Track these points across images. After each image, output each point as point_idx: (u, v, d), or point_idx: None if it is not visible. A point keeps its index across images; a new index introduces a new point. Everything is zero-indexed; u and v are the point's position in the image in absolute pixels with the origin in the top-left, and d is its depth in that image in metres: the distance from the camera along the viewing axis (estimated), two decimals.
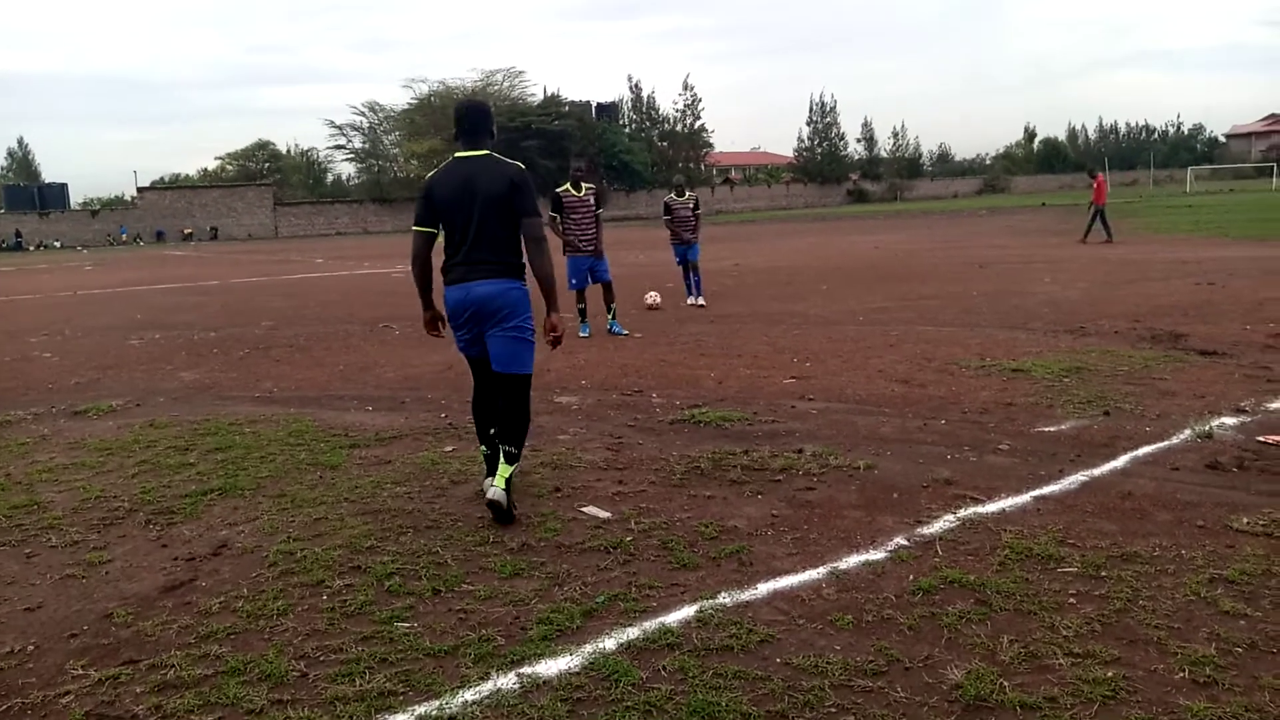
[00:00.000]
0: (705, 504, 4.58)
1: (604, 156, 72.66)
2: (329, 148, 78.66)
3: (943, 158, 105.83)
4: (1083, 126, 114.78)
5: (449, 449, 5.77)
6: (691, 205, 13.21)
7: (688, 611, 3.36)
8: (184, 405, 7.53)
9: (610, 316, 10.75)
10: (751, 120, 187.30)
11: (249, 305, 16.19)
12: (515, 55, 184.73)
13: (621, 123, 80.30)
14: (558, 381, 7.74)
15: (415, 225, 4.61)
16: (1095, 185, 22.55)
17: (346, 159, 75.97)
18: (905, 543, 3.99)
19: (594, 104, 78.95)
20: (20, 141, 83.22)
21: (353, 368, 9.13)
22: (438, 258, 4.60)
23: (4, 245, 58.88)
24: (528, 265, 4.58)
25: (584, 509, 4.56)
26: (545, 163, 61.44)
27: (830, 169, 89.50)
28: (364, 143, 73.58)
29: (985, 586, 3.48)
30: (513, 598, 3.55)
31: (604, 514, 4.47)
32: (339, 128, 72.44)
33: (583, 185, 10.67)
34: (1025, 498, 4.50)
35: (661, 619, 3.31)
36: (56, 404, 7.77)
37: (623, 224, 55.03)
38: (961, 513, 4.31)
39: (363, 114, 72.45)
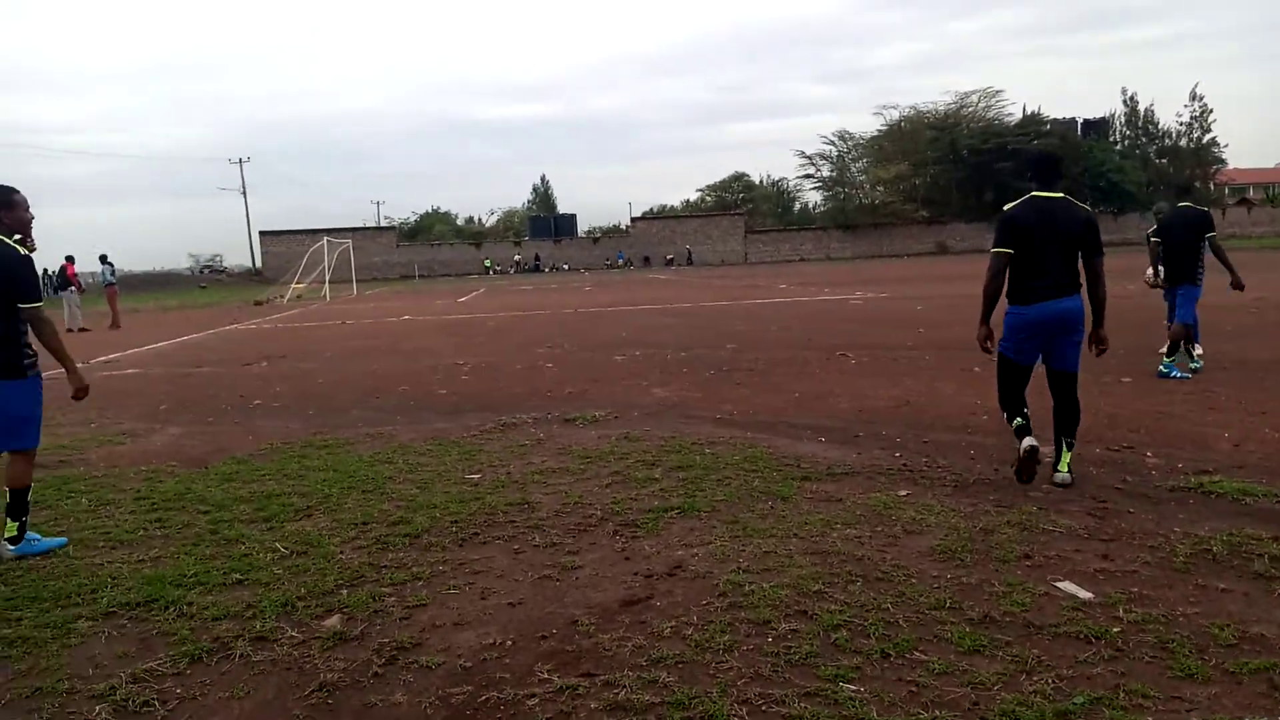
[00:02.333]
0: (1219, 599, 3.75)
1: (1088, 177, 66.46)
2: (798, 177, 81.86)
3: None
4: None
5: (903, 493, 5.44)
6: None
7: None
8: (654, 421, 8.06)
9: (1170, 356, 9.53)
10: (1278, 132, 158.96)
11: (716, 328, 17.14)
12: (991, 75, 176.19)
13: (1111, 140, 72.97)
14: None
15: (997, 248, 5.54)
16: None
17: (814, 187, 78.38)
18: None
19: (1079, 121, 72.71)
20: (543, 179, 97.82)
21: (808, 395, 9.14)
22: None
23: (526, 267, 69.57)
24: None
25: (1059, 584, 3.97)
26: (1020, 184, 57.78)
27: None
28: (831, 171, 75.24)
29: None
30: (972, 678, 3.15)
31: (1084, 594, 3.85)
32: (808, 158, 74.97)
33: None
34: None
35: None
36: (552, 411, 8.76)
37: (1109, 249, 49.60)
38: None
39: (832, 143, 74.25)
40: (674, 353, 13.15)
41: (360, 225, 72.41)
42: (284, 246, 64.56)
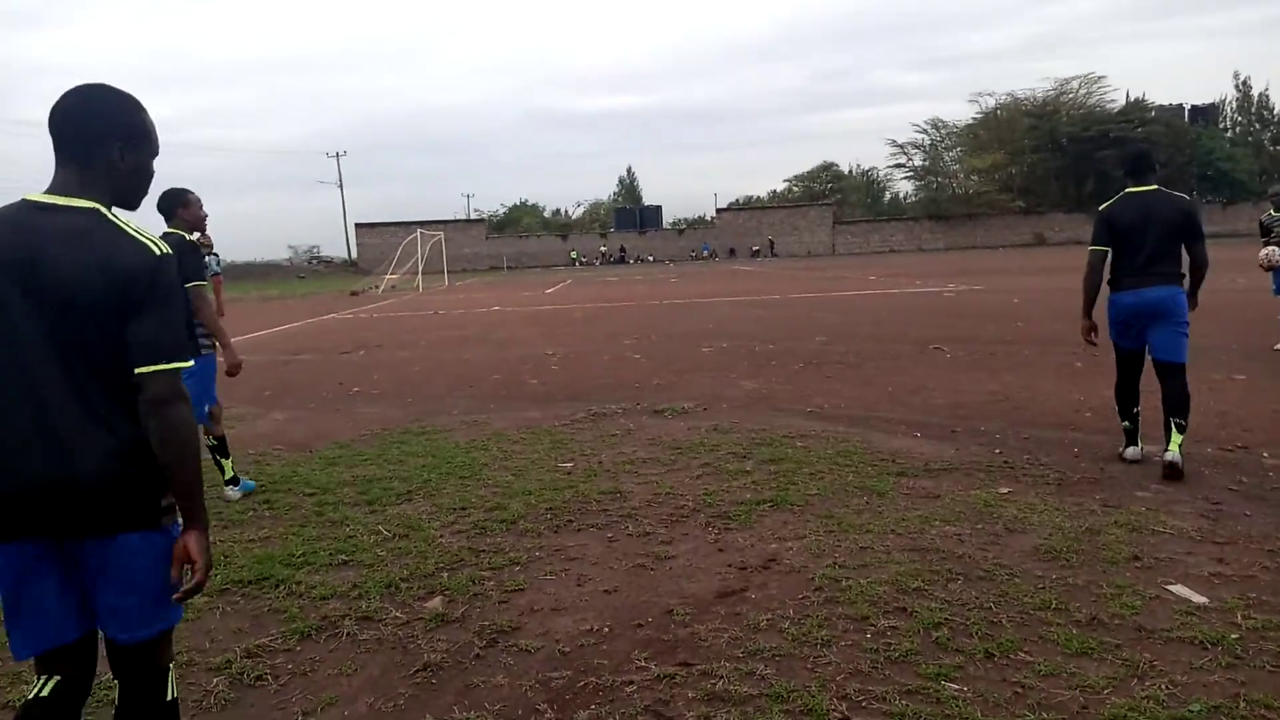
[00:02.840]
0: None
1: (1196, 165, 63.71)
2: (889, 166, 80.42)
3: None
4: None
5: (1004, 491, 5.31)
6: None
7: None
8: (744, 413, 8.03)
9: None
10: None
11: (805, 320, 16.96)
12: (1094, 61, 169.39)
13: (1222, 126, 69.78)
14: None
15: (1095, 245, 5.80)
16: None
17: (905, 177, 76.96)
18: None
19: (1187, 107, 69.71)
20: (629, 170, 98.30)
21: (901, 389, 8.99)
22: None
23: (612, 259, 69.92)
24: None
25: (1170, 587, 3.83)
26: (1120, 174, 55.74)
27: None
28: (924, 160, 73.72)
29: None
30: (1080, 681, 3.07)
31: (1198, 598, 3.71)
32: (900, 146, 73.75)
33: None
34: None
35: None
36: (641, 401, 8.80)
37: (1218, 240, 47.49)
38: None
39: (925, 131, 72.77)
40: (762, 345, 13.07)
41: (451, 218, 73.69)
42: (378, 238, 66.18)
